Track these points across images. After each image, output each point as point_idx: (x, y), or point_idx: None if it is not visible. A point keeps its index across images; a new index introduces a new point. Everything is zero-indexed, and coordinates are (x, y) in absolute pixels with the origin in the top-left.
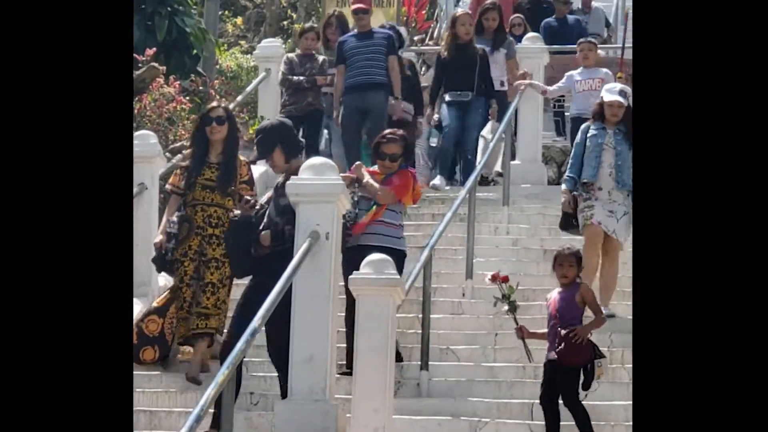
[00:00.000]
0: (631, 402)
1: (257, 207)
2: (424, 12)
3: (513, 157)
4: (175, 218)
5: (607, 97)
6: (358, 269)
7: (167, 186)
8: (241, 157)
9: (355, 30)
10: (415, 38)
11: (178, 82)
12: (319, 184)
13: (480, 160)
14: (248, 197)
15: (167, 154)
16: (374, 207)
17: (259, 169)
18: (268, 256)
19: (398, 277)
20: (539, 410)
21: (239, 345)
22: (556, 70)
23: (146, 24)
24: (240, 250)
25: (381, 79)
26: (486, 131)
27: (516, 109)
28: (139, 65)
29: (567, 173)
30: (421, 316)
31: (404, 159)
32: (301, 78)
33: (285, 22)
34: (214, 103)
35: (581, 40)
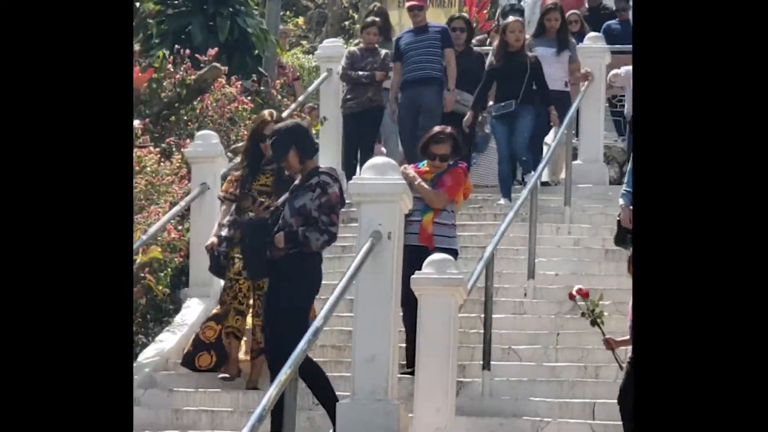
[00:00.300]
0: None
1: (272, 208)
2: (485, 12)
3: (574, 158)
4: (226, 222)
5: None
6: (414, 269)
7: (219, 193)
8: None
9: (411, 26)
10: (477, 38)
11: (240, 82)
12: (382, 183)
13: (542, 164)
14: (262, 199)
15: (229, 154)
16: (430, 212)
17: None
18: (281, 259)
19: (461, 277)
20: (601, 410)
21: (301, 345)
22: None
23: (208, 25)
24: (255, 252)
25: (436, 74)
26: (549, 138)
27: (577, 110)
28: (201, 65)
29: (624, 187)
30: (483, 316)
31: (454, 157)
32: (360, 73)
33: (346, 22)
34: (267, 116)
35: None
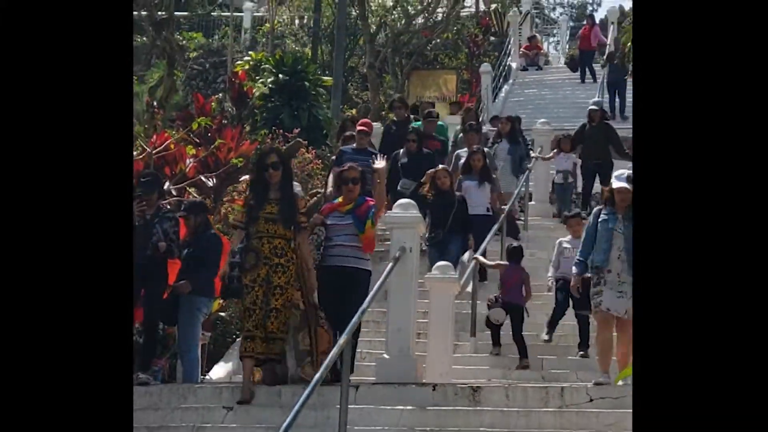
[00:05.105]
0: None
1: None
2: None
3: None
4: (237, 248)
5: (615, 183)
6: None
7: (231, 220)
8: (298, 190)
9: (354, 145)
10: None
11: (314, 151)
12: (405, 216)
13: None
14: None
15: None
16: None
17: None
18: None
19: (457, 276)
20: (548, 362)
21: (354, 320)
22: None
23: (293, 114)
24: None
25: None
26: (465, 257)
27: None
28: (289, 140)
29: (578, 256)
30: (470, 301)
31: (363, 186)
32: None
33: (383, 113)
34: (268, 150)
35: (568, 215)
